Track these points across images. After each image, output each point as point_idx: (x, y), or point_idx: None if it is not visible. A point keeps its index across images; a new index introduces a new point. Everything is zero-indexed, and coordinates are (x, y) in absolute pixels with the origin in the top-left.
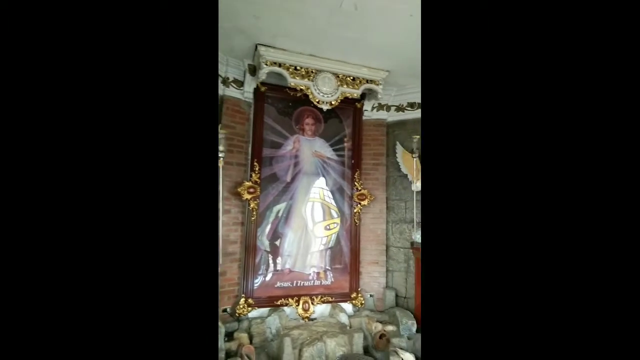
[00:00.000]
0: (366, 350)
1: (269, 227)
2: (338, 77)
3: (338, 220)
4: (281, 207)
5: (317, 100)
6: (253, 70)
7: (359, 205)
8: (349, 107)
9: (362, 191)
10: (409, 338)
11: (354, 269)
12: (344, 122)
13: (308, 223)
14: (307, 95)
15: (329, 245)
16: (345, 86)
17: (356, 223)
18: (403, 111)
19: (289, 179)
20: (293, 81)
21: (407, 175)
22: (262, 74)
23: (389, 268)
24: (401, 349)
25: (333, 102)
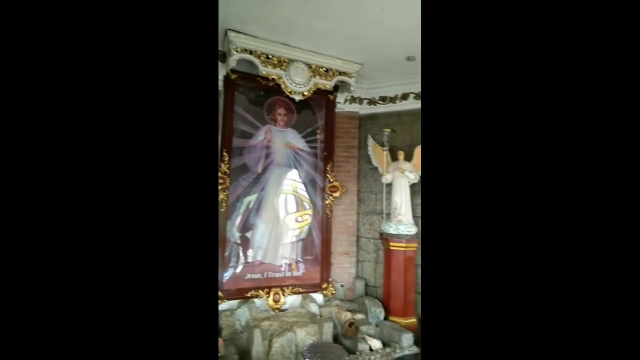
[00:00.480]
0: (336, 339)
1: (239, 218)
2: (311, 67)
3: (310, 212)
4: (252, 198)
5: (289, 90)
6: (223, 56)
7: (330, 197)
8: (322, 99)
9: (334, 183)
10: (376, 325)
11: (325, 260)
12: (317, 113)
13: (280, 215)
14: (279, 85)
15: (301, 237)
16: (318, 77)
17: (328, 215)
18: (375, 105)
19: (260, 170)
20: (265, 70)
21: (377, 168)
22: (232, 61)
23: (359, 258)
24: (369, 335)
25: (306, 93)
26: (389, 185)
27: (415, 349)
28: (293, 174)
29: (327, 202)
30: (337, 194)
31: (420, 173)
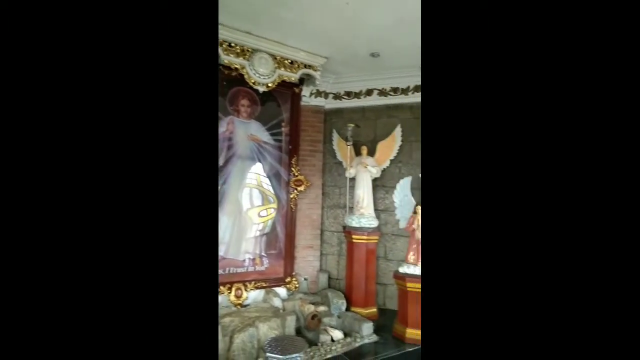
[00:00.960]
0: (298, 332)
1: None
2: (275, 58)
3: (275, 206)
4: None
5: (252, 81)
6: None
7: (295, 191)
8: (287, 91)
9: (299, 177)
10: (338, 316)
11: (288, 254)
12: (282, 106)
13: (243, 209)
14: (243, 75)
15: (265, 231)
16: (282, 69)
17: (292, 208)
18: (340, 99)
19: (221, 162)
20: (227, 58)
21: (342, 162)
22: None
23: (323, 251)
24: (331, 326)
25: (270, 84)
26: (353, 179)
27: (374, 337)
28: (257, 167)
29: (291, 196)
30: (301, 188)
31: (381, 168)
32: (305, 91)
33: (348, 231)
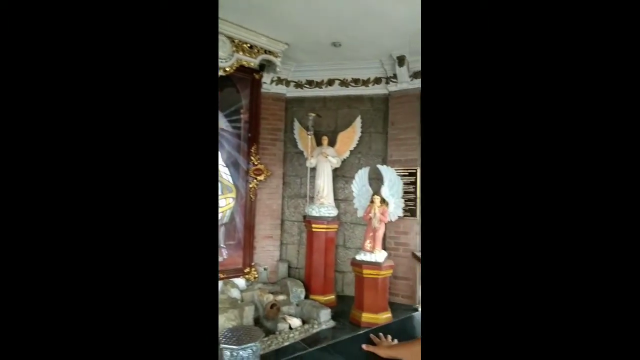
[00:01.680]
0: (257, 321)
1: None
2: (234, 41)
3: (233, 195)
4: None
5: None
6: None
7: (255, 180)
8: (247, 77)
9: (259, 166)
10: (297, 305)
11: (248, 244)
12: (241, 92)
13: None
14: None
15: (223, 222)
16: (241, 53)
17: (252, 198)
18: (302, 88)
19: None
20: None
21: (303, 152)
22: None
23: (284, 241)
24: (289, 315)
25: (227, 69)
26: (313, 169)
27: (332, 323)
28: None
29: (250, 186)
30: (261, 177)
31: (341, 158)
32: (266, 78)
33: (308, 220)
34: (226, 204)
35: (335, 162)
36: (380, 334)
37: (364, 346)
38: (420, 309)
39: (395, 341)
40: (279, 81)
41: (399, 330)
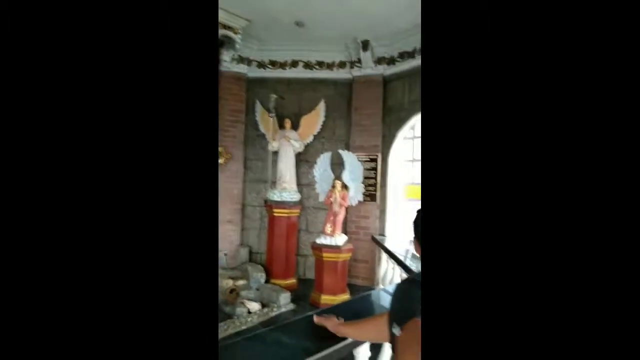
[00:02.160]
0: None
1: None
2: None
3: None
4: None
5: None
6: None
7: None
8: None
9: (218, 149)
10: (257, 289)
11: None
12: None
13: None
14: None
15: None
16: None
17: None
18: (264, 68)
19: None
20: None
21: (265, 134)
22: None
23: (245, 226)
24: (249, 299)
25: None
26: (276, 153)
27: (291, 306)
28: None
29: None
30: (221, 161)
31: (304, 142)
32: (226, 56)
33: (270, 205)
34: None
35: (298, 146)
36: (331, 314)
37: (315, 318)
38: (377, 288)
39: (342, 320)
40: (241, 60)
41: (356, 309)
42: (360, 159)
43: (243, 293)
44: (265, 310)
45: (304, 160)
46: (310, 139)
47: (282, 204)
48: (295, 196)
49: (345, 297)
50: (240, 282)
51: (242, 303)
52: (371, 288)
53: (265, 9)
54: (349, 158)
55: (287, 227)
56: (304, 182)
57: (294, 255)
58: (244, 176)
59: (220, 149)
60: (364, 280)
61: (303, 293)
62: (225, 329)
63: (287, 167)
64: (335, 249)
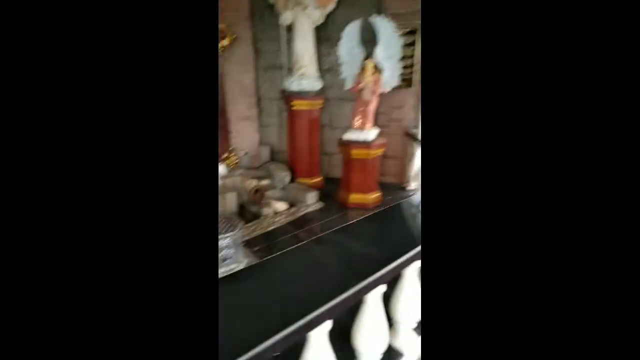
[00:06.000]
0: (242, 207)
1: None
2: None
3: None
4: None
5: None
6: None
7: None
8: None
9: (219, 25)
10: (283, 188)
11: (222, 128)
12: None
13: None
14: None
15: None
16: None
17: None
18: None
19: None
20: None
21: (274, 5)
22: None
23: (263, 123)
24: (274, 199)
25: None
26: (290, 28)
27: (319, 205)
28: None
29: None
30: (225, 42)
31: (326, 11)
32: None
33: (288, 96)
34: None
35: (318, 15)
36: None
37: None
38: (411, 191)
39: None
40: None
41: (388, 218)
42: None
43: (268, 193)
44: (293, 209)
45: (324, 37)
46: (331, 6)
47: (301, 95)
48: (316, 84)
49: (376, 195)
50: (264, 182)
51: (268, 204)
52: (401, 185)
53: None
54: (384, 28)
55: (309, 123)
56: (325, 67)
57: (318, 154)
58: (256, 62)
59: (221, 26)
60: (394, 177)
61: (330, 192)
62: (252, 230)
63: (304, 47)
64: (365, 145)
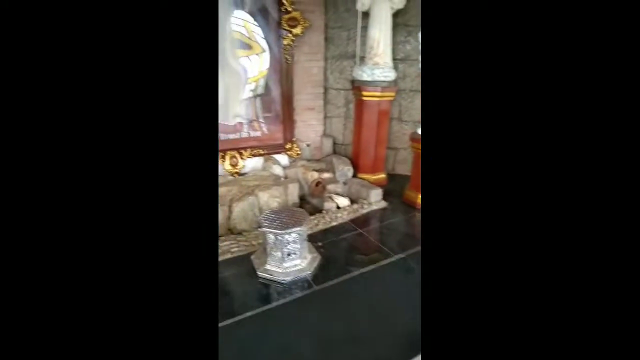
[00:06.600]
0: (302, 199)
1: None
2: None
3: (259, 50)
4: None
5: None
6: None
7: (290, 35)
8: None
9: (293, 14)
10: (344, 183)
11: (287, 117)
12: None
13: (230, 64)
14: None
15: (258, 92)
16: None
17: (287, 60)
18: None
19: None
20: None
21: None
22: None
23: (327, 114)
24: (336, 194)
25: None
26: (366, 15)
27: (383, 204)
28: (238, 13)
29: (285, 43)
30: (297, 31)
31: None
32: None
33: (357, 87)
34: (259, 71)
35: (398, 1)
36: None
37: None
38: None
39: None
40: None
41: None
42: None
43: (330, 187)
44: (355, 206)
45: (401, 24)
46: None
47: (373, 85)
48: (390, 74)
49: None
50: (326, 175)
51: (330, 198)
52: None
53: None
54: None
55: (378, 115)
56: (399, 56)
57: (384, 148)
58: (325, 51)
59: (296, 13)
60: None
61: (394, 190)
62: (315, 224)
63: (380, 34)
64: None
